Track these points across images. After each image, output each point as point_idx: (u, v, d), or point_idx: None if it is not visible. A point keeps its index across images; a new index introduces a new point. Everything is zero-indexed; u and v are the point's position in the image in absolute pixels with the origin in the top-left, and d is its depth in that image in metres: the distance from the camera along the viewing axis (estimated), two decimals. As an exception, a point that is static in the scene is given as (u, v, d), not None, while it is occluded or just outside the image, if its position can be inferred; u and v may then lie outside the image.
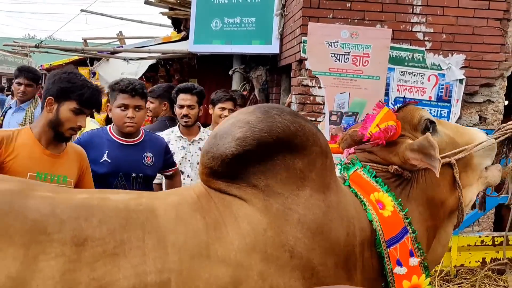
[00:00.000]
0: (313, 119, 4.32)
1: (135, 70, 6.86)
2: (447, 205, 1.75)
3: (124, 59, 6.60)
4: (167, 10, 7.04)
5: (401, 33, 4.30)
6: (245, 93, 5.69)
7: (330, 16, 4.27)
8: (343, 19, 4.27)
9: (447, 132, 1.83)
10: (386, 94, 4.35)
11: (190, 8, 6.13)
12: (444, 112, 4.39)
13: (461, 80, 4.34)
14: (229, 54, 5.85)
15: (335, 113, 4.32)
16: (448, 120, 4.29)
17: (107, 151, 2.55)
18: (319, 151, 1.46)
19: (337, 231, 1.41)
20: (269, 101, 6.39)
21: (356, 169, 1.70)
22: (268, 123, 1.39)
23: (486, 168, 1.86)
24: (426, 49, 4.33)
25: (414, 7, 4.29)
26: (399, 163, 1.68)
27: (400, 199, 1.64)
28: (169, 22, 9.08)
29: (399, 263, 1.55)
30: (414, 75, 4.36)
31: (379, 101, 1.88)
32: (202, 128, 3.47)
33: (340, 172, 1.76)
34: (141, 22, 10.05)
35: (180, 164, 3.23)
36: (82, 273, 1.12)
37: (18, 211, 1.15)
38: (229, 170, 1.39)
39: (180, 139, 3.37)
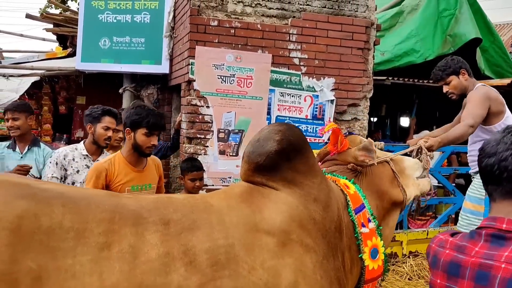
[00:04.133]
0: (202, 136, 4.58)
1: (15, 87, 6.53)
2: (389, 196, 2.37)
3: (4, 76, 6.27)
4: (51, 26, 6.83)
5: (280, 58, 4.76)
6: (135, 111, 5.75)
7: (216, 40, 4.59)
8: (228, 44, 4.61)
9: (383, 152, 2.66)
10: (268, 113, 4.77)
11: (76, 25, 6.06)
12: (319, 129, 4.93)
13: (332, 101, 4.92)
14: (119, 73, 5.89)
15: (223, 131, 4.63)
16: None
17: None
18: (313, 153, 2.08)
19: (334, 206, 2.00)
20: (160, 119, 6.51)
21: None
22: (292, 131, 1.98)
23: (417, 178, 2.57)
24: (302, 73, 4.84)
25: (291, 35, 4.79)
26: (353, 162, 2.37)
27: (358, 185, 2.28)
28: (53, 36, 8.77)
29: (363, 225, 2.13)
30: (292, 96, 4.84)
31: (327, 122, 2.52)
32: (104, 150, 3.64)
33: None
34: (21, 35, 9.53)
35: (83, 182, 3.29)
36: (173, 242, 1.55)
37: (122, 205, 1.59)
38: (270, 164, 1.90)
39: (85, 158, 3.47)
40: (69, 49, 7.08)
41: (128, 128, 2.95)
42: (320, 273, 1.76)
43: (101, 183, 2.86)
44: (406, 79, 6.35)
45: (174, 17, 5.39)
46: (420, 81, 6.41)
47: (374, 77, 5.50)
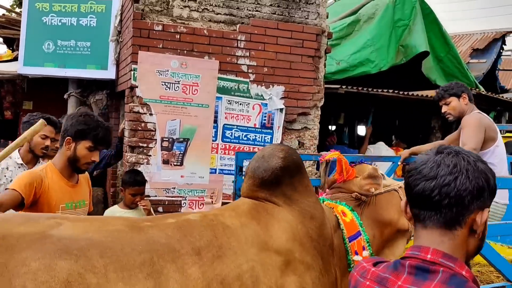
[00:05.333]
0: (145, 145, 4.40)
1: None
2: (394, 225, 2.37)
3: None
4: (-4, 28, 6.53)
5: (228, 65, 4.63)
6: (80, 118, 5.51)
7: (160, 46, 4.42)
8: (173, 50, 4.45)
9: (391, 179, 2.69)
10: (215, 121, 4.63)
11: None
12: (268, 138, 4.81)
13: (281, 109, 4.81)
14: (63, 78, 5.64)
15: (167, 139, 4.46)
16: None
17: None
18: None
19: (326, 225, 2.09)
20: (110, 126, 6.27)
21: (324, 201, 2.45)
22: (293, 151, 2.10)
23: None
24: (250, 81, 4.72)
25: (239, 41, 4.67)
26: (358, 191, 2.38)
27: (356, 213, 2.33)
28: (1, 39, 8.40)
29: (356, 253, 2.18)
30: (240, 104, 4.71)
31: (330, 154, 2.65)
32: (40, 159, 3.43)
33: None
34: (-30, 37, 9.08)
35: None
36: (210, 272, 1.61)
37: (152, 241, 1.59)
38: (275, 179, 1.99)
39: (20, 167, 3.29)
40: (16, 52, 6.76)
41: (69, 137, 2.55)
42: None
43: (29, 190, 2.42)
44: (360, 88, 6.33)
45: (120, 21, 5.20)
46: (374, 90, 6.40)
47: (328, 86, 5.44)
